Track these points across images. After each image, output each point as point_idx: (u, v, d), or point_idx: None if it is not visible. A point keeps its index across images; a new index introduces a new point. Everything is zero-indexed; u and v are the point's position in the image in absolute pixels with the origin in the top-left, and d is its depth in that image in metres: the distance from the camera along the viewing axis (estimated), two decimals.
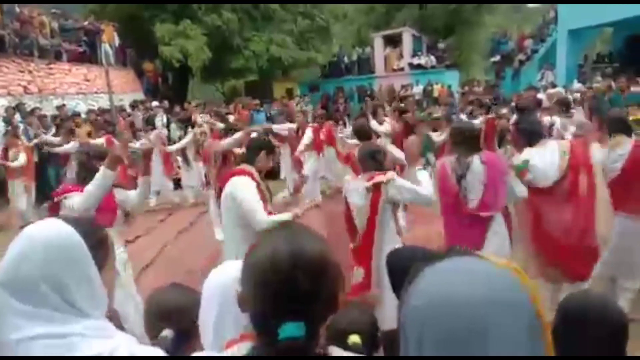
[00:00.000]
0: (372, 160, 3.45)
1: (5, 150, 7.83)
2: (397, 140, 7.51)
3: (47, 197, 8.30)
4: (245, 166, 3.34)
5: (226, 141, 5.93)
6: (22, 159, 7.71)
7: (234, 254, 2.99)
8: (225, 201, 3.23)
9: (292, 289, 0.88)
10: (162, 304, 1.57)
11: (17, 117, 10.25)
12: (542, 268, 3.68)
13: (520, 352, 0.68)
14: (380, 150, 3.66)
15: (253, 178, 3.22)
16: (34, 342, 1.06)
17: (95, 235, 1.20)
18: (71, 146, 8.12)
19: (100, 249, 1.20)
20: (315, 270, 0.90)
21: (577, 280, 3.60)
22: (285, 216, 3.14)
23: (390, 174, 3.32)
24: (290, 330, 0.86)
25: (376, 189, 3.28)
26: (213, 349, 1.26)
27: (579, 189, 3.51)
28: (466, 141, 3.41)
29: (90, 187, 2.99)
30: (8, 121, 9.87)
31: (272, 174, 9.45)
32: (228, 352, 1.00)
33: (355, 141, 8.09)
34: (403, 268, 0.89)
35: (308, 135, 8.00)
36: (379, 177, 3.29)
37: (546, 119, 7.25)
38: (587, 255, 3.59)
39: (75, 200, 3.06)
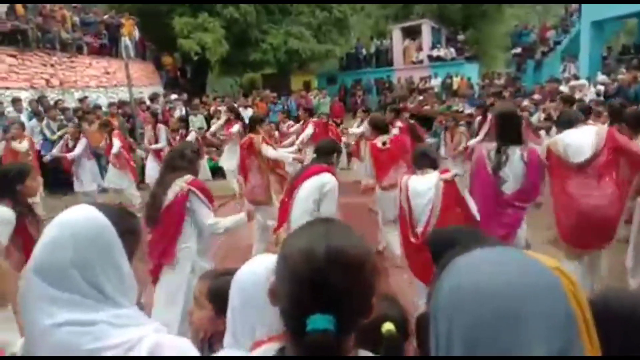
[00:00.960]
0: (424, 159, 3.54)
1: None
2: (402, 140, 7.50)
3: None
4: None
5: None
6: (25, 144, 7.76)
7: None
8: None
9: (324, 283, 0.86)
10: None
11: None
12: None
13: (555, 339, 0.67)
14: (433, 149, 3.83)
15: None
16: (60, 328, 1.07)
17: (125, 223, 1.21)
18: (79, 150, 8.06)
19: (130, 237, 1.20)
20: (350, 267, 0.88)
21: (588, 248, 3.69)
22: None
23: (453, 172, 3.44)
24: (319, 322, 0.83)
25: (449, 182, 3.36)
26: (238, 346, 1.26)
27: (610, 168, 3.56)
28: (508, 130, 3.55)
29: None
30: (35, 114, 10.05)
31: None
32: (255, 353, 0.99)
33: (357, 130, 8.12)
34: (443, 250, 0.88)
35: (308, 131, 7.99)
36: (450, 174, 3.40)
37: None
38: (605, 230, 3.61)
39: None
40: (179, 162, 3.33)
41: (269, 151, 5.36)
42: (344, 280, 0.86)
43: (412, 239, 3.46)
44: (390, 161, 5.07)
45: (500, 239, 3.49)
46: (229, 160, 8.45)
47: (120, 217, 1.21)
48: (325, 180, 3.66)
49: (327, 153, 3.91)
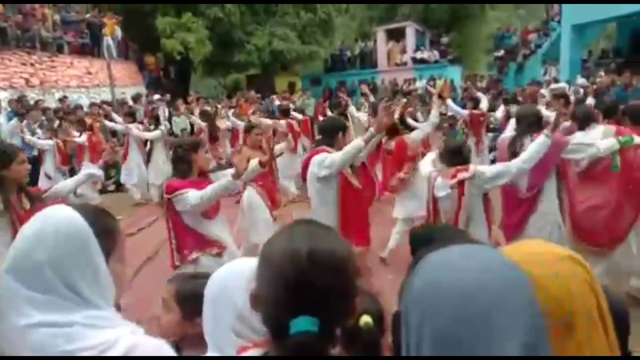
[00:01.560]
0: (456, 156, 3.46)
1: None
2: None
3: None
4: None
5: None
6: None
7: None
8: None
9: (308, 285, 0.85)
10: (196, 296, 1.53)
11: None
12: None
13: (522, 333, 0.67)
14: (465, 145, 3.88)
15: None
16: (35, 329, 1.05)
17: (102, 223, 1.19)
18: (45, 143, 8.15)
19: (107, 237, 1.18)
20: (334, 268, 0.88)
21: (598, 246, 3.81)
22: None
23: (472, 169, 3.34)
24: (302, 324, 0.83)
25: (460, 185, 3.31)
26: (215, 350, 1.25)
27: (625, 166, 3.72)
28: (526, 123, 3.75)
29: (214, 188, 3.22)
30: (15, 113, 9.88)
31: None
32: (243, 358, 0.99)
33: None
34: (419, 247, 0.89)
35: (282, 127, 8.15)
36: (462, 174, 3.31)
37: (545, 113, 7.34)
38: (615, 228, 3.78)
39: (192, 196, 3.23)
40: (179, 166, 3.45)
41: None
42: (328, 281, 0.86)
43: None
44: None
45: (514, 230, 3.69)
46: None
47: (97, 217, 1.20)
48: (322, 156, 3.58)
49: (331, 134, 3.76)
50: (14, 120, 9.59)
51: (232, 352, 1.16)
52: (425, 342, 0.71)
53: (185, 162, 3.45)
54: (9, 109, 10.29)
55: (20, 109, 10.13)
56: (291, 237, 0.93)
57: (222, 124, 9.91)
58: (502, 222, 3.91)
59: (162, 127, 8.99)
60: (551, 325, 0.78)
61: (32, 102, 10.98)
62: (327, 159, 3.50)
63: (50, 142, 8.10)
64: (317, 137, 4.09)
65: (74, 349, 1.06)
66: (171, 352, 1.18)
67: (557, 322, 0.79)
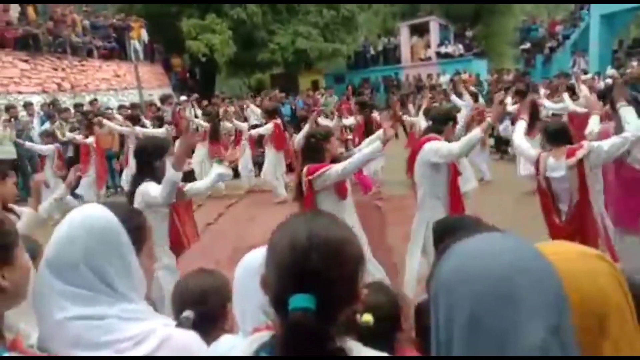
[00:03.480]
0: (562, 135, 3.54)
1: None
2: (359, 132, 7.83)
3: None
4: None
5: None
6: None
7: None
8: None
9: (305, 266, 0.89)
10: (187, 288, 1.63)
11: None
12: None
13: (550, 316, 0.70)
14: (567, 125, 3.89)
15: None
16: (72, 322, 1.11)
17: (133, 220, 1.26)
18: (47, 148, 8.32)
19: (137, 233, 1.24)
20: (331, 251, 0.92)
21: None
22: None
23: (587, 146, 3.40)
24: (299, 300, 0.87)
25: (579, 163, 3.38)
26: (243, 332, 1.30)
27: None
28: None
29: (360, 155, 3.50)
30: (48, 116, 10.21)
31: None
32: (251, 339, 1.03)
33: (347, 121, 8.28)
34: (443, 236, 0.91)
35: (267, 127, 8.24)
36: (581, 152, 3.37)
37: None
38: None
39: (334, 170, 3.48)
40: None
41: None
42: (325, 263, 0.90)
43: (556, 219, 3.52)
44: None
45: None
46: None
47: (128, 214, 1.26)
48: (438, 144, 3.76)
49: (441, 122, 3.92)
50: (47, 124, 9.91)
51: (248, 328, 1.23)
52: (455, 325, 0.73)
53: (318, 151, 3.63)
54: (41, 113, 10.61)
55: (52, 111, 10.45)
56: (294, 223, 0.99)
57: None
58: (616, 208, 3.83)
59: (167, 127, 9.08)
60: (585, 324, 0.79)
61: (64, 106, 11.32)
62: (443, 148, 3.61)
63: (51, 147, 8.25)
64: (427, 124, 4.29)
65: (110, 339, 1.11)
66: (202, 345, 1.23)
67: (591, 320, 0.80)
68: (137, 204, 3.05)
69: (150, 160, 3.19)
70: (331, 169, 3.47)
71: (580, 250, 0.88)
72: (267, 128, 8.31)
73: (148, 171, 3.17)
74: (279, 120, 8.48)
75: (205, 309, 1.49)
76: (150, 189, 3.04)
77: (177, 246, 3.42)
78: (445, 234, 0.94)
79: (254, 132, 8.68)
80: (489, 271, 0.73)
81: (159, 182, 3.05)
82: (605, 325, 0.80)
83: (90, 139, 8.49)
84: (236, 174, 9.47)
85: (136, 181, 3.19)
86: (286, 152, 8.65)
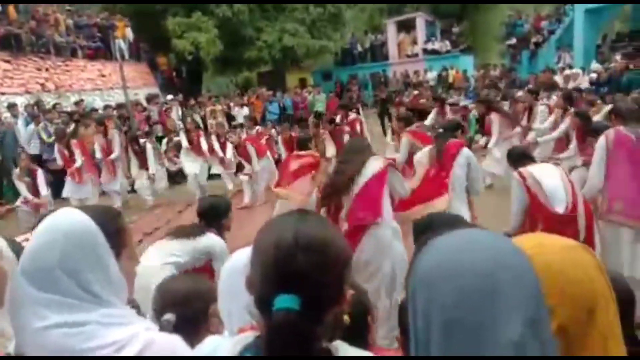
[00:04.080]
0: (526, 157, 3.64)
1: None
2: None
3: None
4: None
5: None
6: (78, 158, 7.97)
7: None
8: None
9: (291, 266, 0.88)
10: (168, 291, 1.61)
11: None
12: None
13: (528, 308, 0.70)
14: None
15: None
16: (51, 330, 1.08)
17: (111, 223, 1.23)
18: (118, 152, 8.36)
19: (117, 236, 1.22)
20: (317, 251, 0.91)
21: None
22: None
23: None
24: (284, 301, 0.86)
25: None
26: (229, 333, 1.29)
27: None
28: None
29: None
30: (32, 118, 10.06)
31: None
32: (235, 339, 1.01)
33: None
34: (421, 232, 0.90)
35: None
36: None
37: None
38: None
39: None
40: None
41: None
42: (311, 264, 0.89)
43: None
44: None
45: None
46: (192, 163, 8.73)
47: (106, 217, 1.23)
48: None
49: (452, 130, 4.61)
50: (31, 126, 9.77)
51: (235, 330, 1.22)
52: (433, 322, 0.73)
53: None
54: (25, 114, 10.47)
55: (36, 112, 10.31)
56: (281, 223, 0.98)
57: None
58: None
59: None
60: (576, 315, 0.79)
61: (48, 107, 11.18)
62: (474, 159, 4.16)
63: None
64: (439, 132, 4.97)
65: (91, 347, 1.09)
66: (186, 348, 1.21)
67: (582, 311, 0.80)
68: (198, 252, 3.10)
69: (219, 218, 3.25)
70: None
71: (564, 243, 0.88)
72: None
73: (215, 227, 3.22)
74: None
75: (187, 311, 1.47)
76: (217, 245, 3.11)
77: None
78: (426, 230, 0.94)
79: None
80: (467, 266, 0.73)
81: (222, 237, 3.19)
82: (593, 315, 0.80)
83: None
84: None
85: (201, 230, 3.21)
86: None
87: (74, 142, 8.19)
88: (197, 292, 1.58)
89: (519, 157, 3.60)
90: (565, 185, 3.24)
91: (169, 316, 1.38)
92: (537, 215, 3.21)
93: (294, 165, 5.76)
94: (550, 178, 3.27)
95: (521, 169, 3.33)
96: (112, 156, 8.36)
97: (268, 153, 8.73)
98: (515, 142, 7.31)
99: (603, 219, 3.65)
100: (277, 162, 8.74)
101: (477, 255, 0.73)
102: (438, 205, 3.90)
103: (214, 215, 3.23)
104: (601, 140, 3.63)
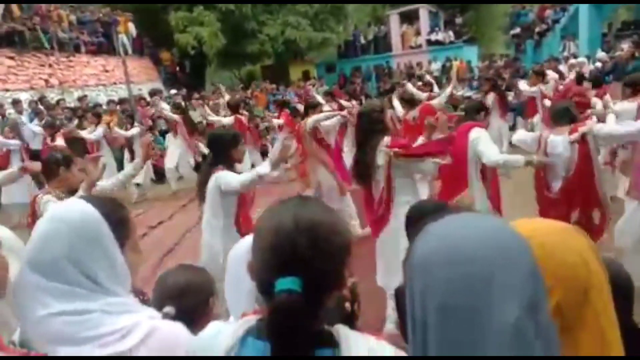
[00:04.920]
0: (567, 114, 3.68)
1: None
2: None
3: None
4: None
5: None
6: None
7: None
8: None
9: (291, 249, 0.90)
10: (166, 283, 1.62)
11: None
12: None
13: (524, 293, 0.70)
14: (573, 105, 4.02)
15: None
16: (56, 318, 1.10)
17: (116, 214, 1.24)
18: (98, 134, 8.29)
19: (121, 227, 1.23)
20: (317, 235, 0.92)
21: None
22: None
23: (590, 124, 3.54)
24: (285, 283, 0.87)
25: (582, 139, 3.48)
26: (234, 318, 1.30)
27: None
28: None
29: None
30: (36, 113, 10.11)
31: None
32: (238, 324, 1.02)
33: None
34: (414, 223, 0.91)
35: (227, 120, 8.22)
36: (583, 128, 3.49)
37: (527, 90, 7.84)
38: None
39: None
40: None
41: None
42: (310, 246, 0.90)
43: (547, 193, 3.70)
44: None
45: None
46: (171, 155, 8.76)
47: (111, 208, 1.24)
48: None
49: (474, 112, 4.09)
50: (35, 121, 9.81)
51: (238, 314, 1.23)
52: (429, 306, 0.73)
53: (381, 124, 3.54)
54: (29, 110, 10.51)
55: (40, 108, 10.35)
56: (281, 208, 0.99)
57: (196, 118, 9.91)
58: None
59: (138, 127, 8.99)
60: (572, 298, 0.79)
61: (52, 102, 11.22)
62: (488, 150, 3.68)
63: (18, 142, 8.14)
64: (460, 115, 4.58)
65: (95, 334, 1.10)
66: (188, 336, 1.22)
67: (577, 293, 0.80)
68: (211, 188, 3.23)
69: (226, 149, 3.33)
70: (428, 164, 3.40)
71: (559, 226, 0.89)
72: (227, 122, 8.23)
73: (223, 159, 3.31)
74: (241, 116, 8.46)
75: (186, 304, 1.48)
76: (229, 177, 3.20)
77: (247, 227, 3.63)
78: (422, 216, 0.95)
79: (215, 119, 8.51)
80: (463, 251, 0.73)
81: (232, 170, 3.28)
82: (588, 297, 0.80)
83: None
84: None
85: (211, 167, 3.34)
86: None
87: (58, 134, 8.22)
88: (196, 285, 1.59)
89: None
90: None
91: (169, 309, 1.39)
92: None
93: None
94: None
95: None
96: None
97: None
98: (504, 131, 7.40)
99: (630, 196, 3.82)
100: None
101: (473, 240, 0.74)
102: (466, 201, 3.86)
103: (220, 147, 3.31)
104: None
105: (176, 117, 9.09)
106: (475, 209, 3.73)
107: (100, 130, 8.33)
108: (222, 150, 3.33)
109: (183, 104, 13.12)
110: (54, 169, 3.19)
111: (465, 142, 3.82)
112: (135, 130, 8.79)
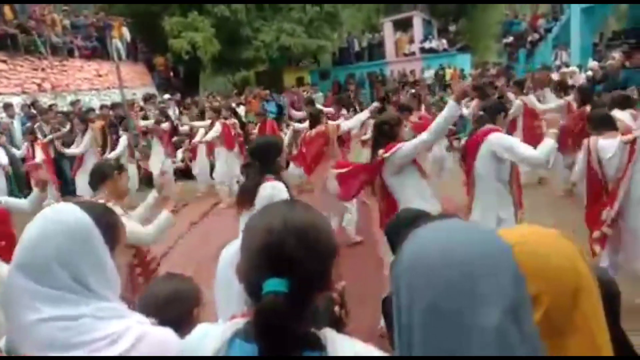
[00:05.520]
0: (609, 121, 3.85)
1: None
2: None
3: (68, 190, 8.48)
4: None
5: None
6: (38, 156, 7.88)
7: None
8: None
9: (279, 251, 0.91)
10: (151, 294, 1.61)
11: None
12: None
13: (506, 296, 0.71)
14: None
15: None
16: (46, 323, 1.09)
17: (106, 218, 1.24)
18: (82, 148, 7.94)
19: (111, 231, 1.23)
20: (305, 237, 0.93)
21: None
22: None
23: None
24: (273, 284, 0.88)
25: (632, 143, 3.63)
26: (222, 320, 1.30)
27: None
28: None
29: (439, 119, 3.48)
30: (29, 117, 10.06)
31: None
32: (226, 326, 1.02)
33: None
34: (397, 232, 0.92)
35: (215, 129, 8.13)
36: (636, 132, 3.71)
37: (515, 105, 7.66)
38: None
39: (407, 145, 3.49)
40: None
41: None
42: (298, 248, 0.91)
43: (605, 197, 3.80)
44: None
45: None
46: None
47: (101, 212, 1.24)
48: (504, 138, 3.76)
49: (493, 113, 3.89)
50: (27, 125, 9.76)
51: (227, 317, 1.22)
52: (415, 310, 0.74)
53: (392, 136, 3.62)
54: (22, 114, 10.45)
55: (32, 112, 10.30)
56: (270, 211, 1.01)
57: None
58: None
59: (125, 135, 8.82)
60: (561, 302, 0.80)
61: (45, 107, 11.17)
62: (518, 149, 3.46)
63: (86, 145, 7.89)
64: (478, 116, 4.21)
65: (85, 340, 1.10)
66: (177, 341, 1.21)
67: (566, 297, 0.81)
68: (264, 197, 3.04)
69: (274, 157, 3.23)
70: (403, 147, 3.47)
71: (546, 232, 0.90)
72: (216, 130, 8.13)
73: (271, 168, 3.19)
74: (227, 121, 8.40)
75: (168, 315, 1.47)
76: (281, 191, 3.05)
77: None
78: (404, 225, 0.96)
79: (207, 137, 8.29)
80: (446, 255, 0.74)
81: (280, 179, 3.18)
82: (578, 301, 0.81)
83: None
84: (193, 176, 9.44)
85: (260, 176, 3.18)
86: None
87: (37, 142, 8.19)
88: (179, 295, 1.57)
89: None
90: None
91: (151, 321, 1.39)
92: None
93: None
94: None
95: None
96: (112, 154, 8.12)
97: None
98: None
99: None
100: None
101: (456, 245, 0.75)
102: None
103: (267, 155, 3.21)
104: None
105: (165, 125, 9.04)
106: (471, 216, 3.74)
107: (87, 139, 7.96)
108: (269, 158, 3.21)
109: (177, 110, 13.14)
110: (108, 175, 3.09)
111: (475, 150, 3.65)
112: (121, 147, 8.33)
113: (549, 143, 3.37)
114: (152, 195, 3.46)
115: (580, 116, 5.64)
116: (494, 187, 3.64)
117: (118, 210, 2.98)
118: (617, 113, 4.49)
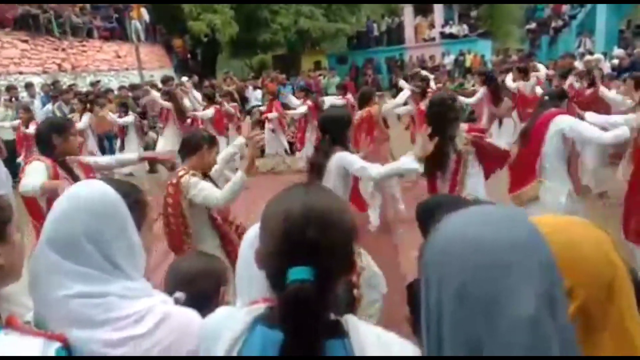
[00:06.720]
0: None
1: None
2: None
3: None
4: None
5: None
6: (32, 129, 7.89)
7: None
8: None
9: (301, 237, 0.89)
10: (179, 270, 1.63)
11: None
12: None
13: (540, 282, 0.70)
14: None
15: None
16: (73, 300, 1.09)
17: (133, 195, 1.23)
18: (83, 123, 7.94)
19: (138, 209, 1.23)
20: (326, 222, 0.92)
21: None
22: None
23: None
24: (298, 273, 0.87)
25: None
26: (242, 304, 1.30)
27: None
28: None
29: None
30: (49, 97, 10.15)
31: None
32: (247, 311, 1.02)
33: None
34: (430, 216, 0.91)
35: (206, 113, 8.11)
36: None
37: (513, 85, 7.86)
38: None
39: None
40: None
41: None
42: (321, 234, 0.90)
43: None
44: None
45: None
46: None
47: (129, 189, 1.24)
48: (573, 121, 3.77)
49: (559, 98, 3.97)
50: (48, 105, 9.86)
51: (246, 302, 1.22)
52: (445, 297, 0.73)
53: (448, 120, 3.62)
54: (42, 94, 10.57)
55: (55, 92, 10.40)
56: (288, 195, 0.99)
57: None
58: None
59: (132, 114, 8.79)
60: (595, 293, 0.78)
61: (65, 87, 11.28)
62: (587, 131, 3.54)
63: (85, 121, 7.95)
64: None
65: (110, 317, 1.10)
66: (199, 321, 1.22)
67: (601, 289, 0.79)
68: (334, 168, 3.14)
69: (343, 130, 3.27)
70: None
71: (576, 221, 0.88)
72: (206, 113, 8.08)
73: (340, 140, 3.24)
74: (219, 106, 8.37)
75: (197, 291, 1.48)
76: (352, 159, 3.12)
77: (359, 206, 3.78)
78: (433, 211, 0.94)
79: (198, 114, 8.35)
80: (480, 241, 0.73)
81: (349, 150, 3.24)
82: (612, 292, 0.79)
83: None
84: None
85: (330, 148, 3.23)
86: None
87: (32, 122, 8.05)
88: (207, 273, 1.59)
89: None
90: None
91: (179, 295, 1.39)
92: None
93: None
94: None
95: None
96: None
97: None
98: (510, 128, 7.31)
99: None
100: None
101: (490, 230, 0.74)
102: (530, 192, 3.77)
103: (336, 128, 3.25)
104: None
105: (167, 104, 8.86)
106: (540, 203, 3.71)
107: (85, 119, 7.99)
108: (338, 131, 3.25)
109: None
110: (199, 146, 3.06)
111: (543, 132, 3.65)
112: (130, 119, 8.49)
113: (624, 130, 3.44)
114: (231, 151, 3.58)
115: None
116: (563, 169, 3.70)
117: (197, 178, 2.99)
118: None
